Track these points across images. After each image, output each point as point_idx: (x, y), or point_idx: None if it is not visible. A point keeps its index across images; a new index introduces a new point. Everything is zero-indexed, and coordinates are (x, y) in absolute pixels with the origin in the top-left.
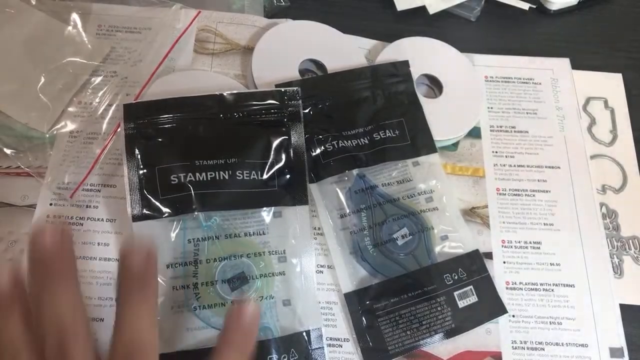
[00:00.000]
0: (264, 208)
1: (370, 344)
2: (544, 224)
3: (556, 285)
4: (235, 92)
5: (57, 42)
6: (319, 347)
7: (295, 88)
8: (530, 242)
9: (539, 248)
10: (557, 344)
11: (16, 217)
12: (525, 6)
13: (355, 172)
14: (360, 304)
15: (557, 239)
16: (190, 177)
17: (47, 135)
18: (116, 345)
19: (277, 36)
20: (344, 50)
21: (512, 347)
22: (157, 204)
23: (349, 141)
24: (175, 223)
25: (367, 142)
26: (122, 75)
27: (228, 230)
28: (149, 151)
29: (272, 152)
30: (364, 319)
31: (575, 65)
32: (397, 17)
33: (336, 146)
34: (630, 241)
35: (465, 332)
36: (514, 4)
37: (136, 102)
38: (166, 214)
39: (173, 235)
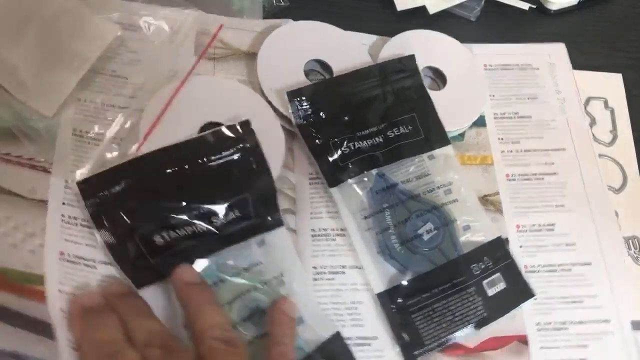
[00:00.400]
0: (248, 241)
1: (408, 340)
2: (556, 206)
3: (573, 264)
4: (186, 139)
5: (66, 25)
6: (345, 349)
7: (246, 119)
8: (544, 225)
9: (553, 230)
10: (580, 322)
11: (27, 210)
12: (525, 6)
13: (374, 172)
14: (393, 303)
15: (570, 219)
16: (171, 234)
17: (46, 127)
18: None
19: (278, 40)
20: (346, 48)
21: (537, 329)
22: (151, 269)
23: (364, 141)
24: None
25: (381, 140)
26: (124, 74)
27: (227, 272)
28: (121, 222)
29: (239, 189)
30: (398, 316)
31: (576, 65)
32: (397, 17)
33: (352, 148)
34: (630, 241)
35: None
36: (514, 4)
37: (90, 176)
38: (165, 276)
39: None
